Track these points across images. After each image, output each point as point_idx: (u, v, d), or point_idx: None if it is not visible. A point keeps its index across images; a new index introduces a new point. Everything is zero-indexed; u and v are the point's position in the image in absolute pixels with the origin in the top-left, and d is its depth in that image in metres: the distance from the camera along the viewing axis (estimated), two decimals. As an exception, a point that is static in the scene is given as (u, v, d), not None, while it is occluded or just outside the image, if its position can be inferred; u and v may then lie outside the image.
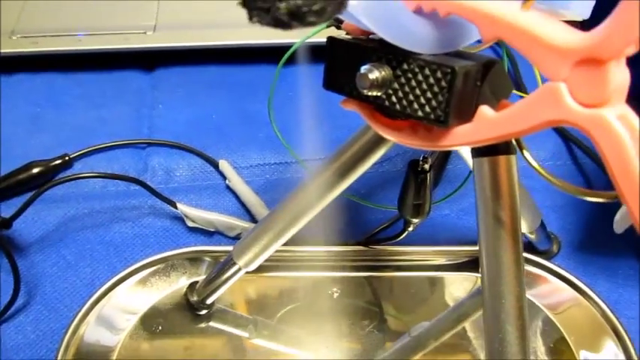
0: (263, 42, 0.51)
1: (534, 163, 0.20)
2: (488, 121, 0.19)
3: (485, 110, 0.19)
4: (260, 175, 0.46)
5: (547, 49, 0.17)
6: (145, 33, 0.53)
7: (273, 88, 0.33)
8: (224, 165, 0.46)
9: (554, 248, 0.46)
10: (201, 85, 0.52)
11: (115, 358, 0.37)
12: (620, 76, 0.17)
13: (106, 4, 0.58)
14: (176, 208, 0.43)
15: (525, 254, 0.42)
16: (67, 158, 0.46)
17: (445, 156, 0.46)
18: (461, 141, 0.20)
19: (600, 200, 0.18)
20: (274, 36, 0.50)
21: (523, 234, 0.42)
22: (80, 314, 0.38)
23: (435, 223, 0.46)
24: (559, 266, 0.42)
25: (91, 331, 0.38)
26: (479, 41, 0.22)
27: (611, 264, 0.45)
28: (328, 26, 0.28)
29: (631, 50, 0.17)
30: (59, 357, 0.36)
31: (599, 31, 0.16)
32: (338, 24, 0.25)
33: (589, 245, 0.46)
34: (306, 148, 0.38)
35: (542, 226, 0.42)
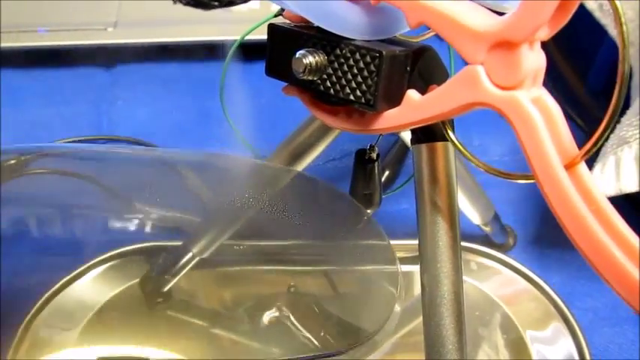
0: (223, 38, 0.52)
1: (459, 145, 0.20)
2: (414, 105, 0.19)
3: (411, 94, 0.20)
4: (219, 170, 0.46)
5: (464, 33, 0.17)
6: (105, 29, 0.53)
7: (223, 82, 0.33)
8: (183, 160, 0.46)
9: (511, 241, 0.46)
10: (162, 81, 0.52)
11: (69, 351, 0.36)
12: (533, 59, 0.17)
13: None
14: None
15: (480, 247, 0.42)
16: (23, 154, 0.45)
17: (402, 151, 0.47)
18: (390, 124, 0.20)
19: (518, 181, 0.19)
20: (235, 32, 0.50)
21: (479, 227, 0.43)
22: (34, 309, 0.37)
23: (393, 217, 0.46)
24: (512, 258, 0.42)
25: (46, 326, 0.37)
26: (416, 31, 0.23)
27: (565, 256, 0.46)
28: (275, 15, 0.28)
29: (543, 34, 0.17)
30: (11, 352, 0.35)
31: (511, 14, 0.17)
32: (281, 12, 0.26)
33: (544, 238, 0.47)
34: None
35: (498, 219, 0.43)
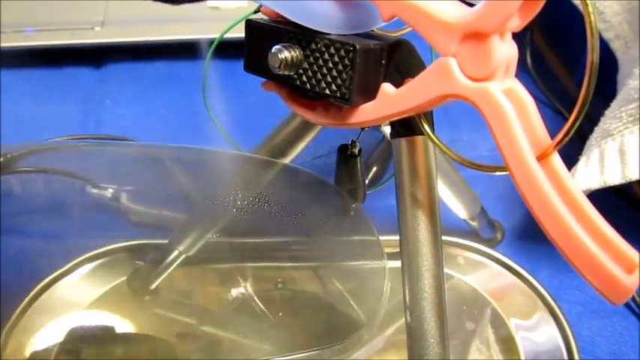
0: (211, 37, 0.51)
1: (434, 138, 0.20)
2: (389, 98, 0.19)
3: (386, 87, 0.20)
4: (207, 168, 0.46)
5: (436, 25, 0.17)
6: (92, 28, 0.53)
7: (205, 80, 0.33)
8: (171, 158, 0.46)
9: (498, 236, 0.46)
10: (150, 80, 0.52)
11: (56, 349, 0.36)
12: (504, 50, 0.17)
13: (55, -1, 0.57)
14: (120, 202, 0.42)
15: (467, 241, 0.43)
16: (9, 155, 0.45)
17: (390, 147, 0.46)
18: (366, 118, 0.20)
19: (491, 173, 0.19)
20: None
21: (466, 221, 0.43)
22: (21, 307, 0.37)
23: (379, 212, 0.46)
24: (500, 253, 0.43)
25: (33, 324, 0.37)
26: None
27: (553, 250, 0.46)
28: (255, 12, 0.28)
29: (514, 25, 0.17)
30: (-4, 352, 0.35)
31: (480, 5, 0.17)
32: (259, 8, 0.26)
33: (532, 232, 0.47)
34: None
35: (485, 213, 0.43)
